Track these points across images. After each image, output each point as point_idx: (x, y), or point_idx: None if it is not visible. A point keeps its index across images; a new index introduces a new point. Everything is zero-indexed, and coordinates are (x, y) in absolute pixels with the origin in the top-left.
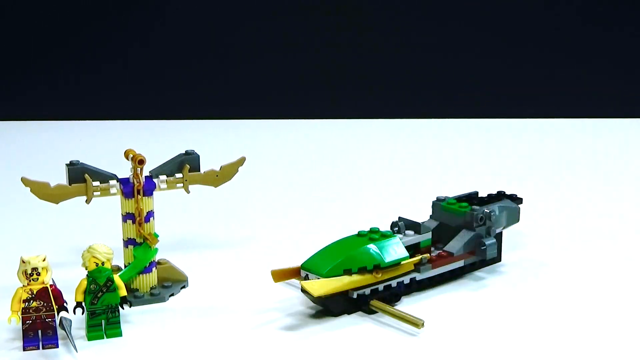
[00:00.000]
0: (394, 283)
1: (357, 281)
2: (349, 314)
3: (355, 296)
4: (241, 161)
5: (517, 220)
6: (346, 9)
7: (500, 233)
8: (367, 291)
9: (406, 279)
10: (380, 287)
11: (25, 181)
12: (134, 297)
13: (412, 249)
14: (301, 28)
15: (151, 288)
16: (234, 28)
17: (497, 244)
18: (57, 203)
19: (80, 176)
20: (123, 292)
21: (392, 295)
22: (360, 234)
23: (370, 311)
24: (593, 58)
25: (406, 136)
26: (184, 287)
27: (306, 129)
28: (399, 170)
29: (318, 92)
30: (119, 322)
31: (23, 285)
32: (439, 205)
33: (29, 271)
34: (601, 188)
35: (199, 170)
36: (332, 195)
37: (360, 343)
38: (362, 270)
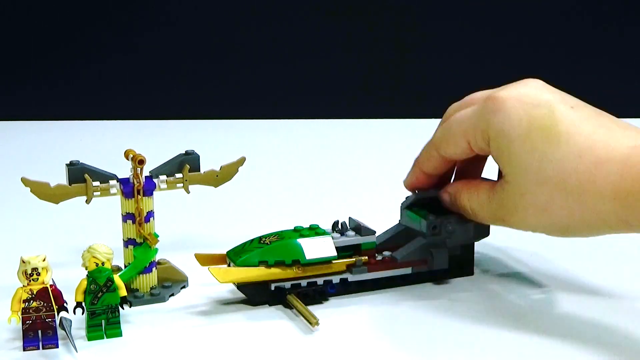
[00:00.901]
0: (320, 281)
1: (273, 274)
2: (270, 305)
3: (273, 288)
4: (241, 161)
5: (486, 234)
6: (346, 9)
7: (472, 245)
8: (287, 285)
9: (335, 279)
10: (303, 282)
11: (25, 181)
12: (134, 297)
13: (352, 250)
14: (301, 28)
15: (151, 288)
16: (234, 28)
17: (464, 256)
18: (57, 203)
19: (80, 176)
20: (123, 292)
21: (315, 293)
22: (295, 229)
23: (288, 305)
24: (591, 57)
25: (407, 137)
26: (184, 287)
27: (306, 129)
28: (399, 170)
29: (318, 92)
30: (119, 322)
31: (23, 285)
32: (404, 209)
33: (29, 271)
34: None
35: (199, 170)
36: (332, 195)
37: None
38: (280, 264)
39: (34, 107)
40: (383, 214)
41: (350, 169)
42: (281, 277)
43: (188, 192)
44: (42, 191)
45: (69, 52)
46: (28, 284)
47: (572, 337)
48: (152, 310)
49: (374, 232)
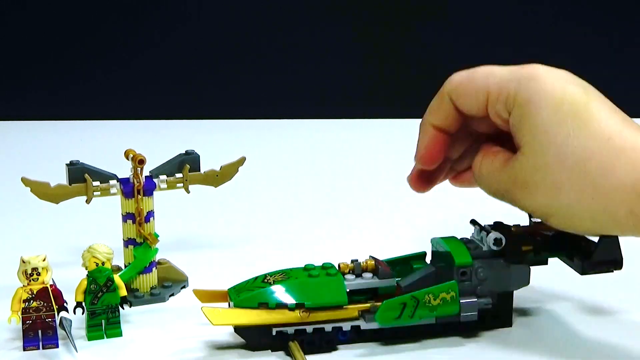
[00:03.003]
0: (328, 327)
1: (274, 318)
2: (272, 351)
3: (274, 333)
4: (241, 161)
5: (526, 282)
6: (346, 10)
7: (511, 293)
8: (290, 330)
9: (346, 326)
10: (309, 329)
11: (25, 181)
12: (134, 297)
13: (369, 295)
14: (301, 28)
15: (151, 288)
16: (234, 29)
17: (501, 305)
18: (57, 203)
19: (80, 176)
20: (123, 292)
21: (322, 340)
22: (305, 268)
23: (289, 353)
24: (587, 58)
25: (407, 137)
26: (184, 287)
27: (306, 129)
28: (400, 170)
29: (318, 92)
30: (119, 322)
31: (23, 285)
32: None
33: (29, 271)
34: None
35: (199, 170)
36: (332, 195)
37: None
38: (282, 307)
39: (34, 107)
40: (384, 214)
41: (350, 169)
42: (282, 322)
43: (188, 192)
44: (42, 191)
45: (69, 52)
46: (28, 284)
47: None
48: (152, 310)
49: (391, 276)
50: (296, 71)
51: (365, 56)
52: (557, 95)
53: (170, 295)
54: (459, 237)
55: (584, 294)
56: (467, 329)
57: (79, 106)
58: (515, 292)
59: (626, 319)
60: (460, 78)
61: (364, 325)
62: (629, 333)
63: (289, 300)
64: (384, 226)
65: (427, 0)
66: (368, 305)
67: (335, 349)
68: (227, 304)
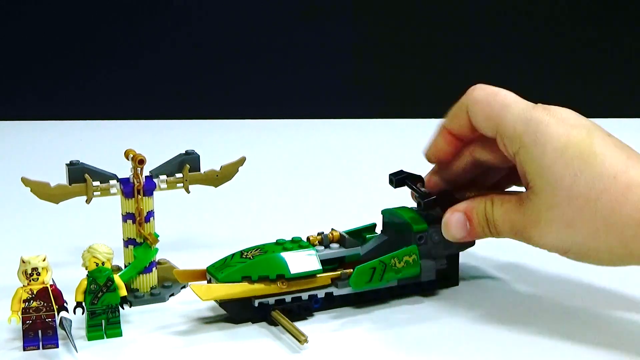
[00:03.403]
0: (304, 296)
1: (257, 289)
2: (253, 322)
3: (256, 304)
4: (241, 161)
5: (472, 243)
6: (346, 10)
7: (457, 254)
8: (271, 301)
9: (320, 293)
10: (288, 298)
11: (25, 181)
12: (134, 297)
13: (337, 263)
14: (301, 28)
15: (151, 288)
16: (234, 29)
17: (449, 266)
18: (57, 203)
19: (81, 176)
20: (123, 292)
21: (300, 308)
22: (277, 242)
23: (272, 322)
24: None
25: (408, 136)
26: (184, 287)
27: (306, 129)
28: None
29: (318, 92)
30: (119, 322)
31: (23, 285)
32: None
33: (29, 271)
34: None
35: (199, 170)
36: (332, 194)
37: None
38: (264, 279)
39: (34, 107)
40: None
41: (350, 169)
42: (266, 293)
43: (188, 192)
44: (42, 191)
45: (69, 52)
46: (28, 284)
47: (560, 341)
48: (152, 310)
49: (358, 244)
50: (296, 71)
51: (365, 56)
52: (561, 139)
53: (170, 295)
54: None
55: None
56: (422, 289)
57: (79, 106)
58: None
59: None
60: (479, 97)
61: (336, 291)
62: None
63: (271, 272)
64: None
65: (426, 1)
66: (338, 273)
67: (311, 315)
68: (205, 281)
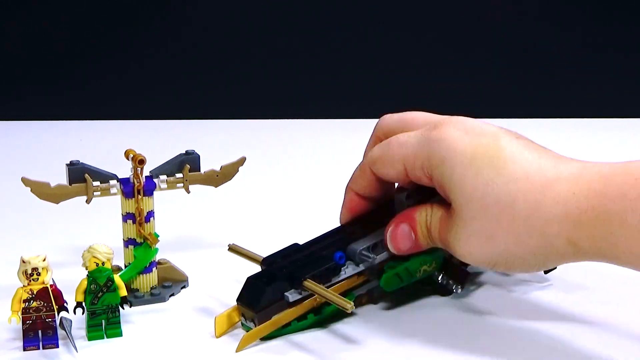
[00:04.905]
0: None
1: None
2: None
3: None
4: (241, 161)
5: None
6: (345, 9)
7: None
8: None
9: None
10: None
11: (25, 181)
12: (134, 297)
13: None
14: (301, 28)
15: (151, 288)
16: (234, 29)
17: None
18: (57, 203)
19: (81, 176)
20: (123, 292)
21: (329, 271)
22: None
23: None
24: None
25: None
26: (184, 287)
27: (306, 129)
28: None
29: (318, 92)
30: (119, 322)
31: (23, 285)
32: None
33: (29, 271)
34: None
35: (199, 170)
36: (332, 194)
37: None
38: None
39: (34, 107)
40: None
41: (350, 169)
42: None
43: (188, 192)
44: (42, 191)
45: (69, 52)
46: (28, 284)
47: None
48: (152, 310)
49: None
50: (296, 71)
51: (366, 56)
52: (467, 151)
53: (170, 295)
54: None
55: None
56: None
57: (79, 106)
58: None
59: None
60: (378, 152)
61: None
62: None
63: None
64: None
65: (427, 1)
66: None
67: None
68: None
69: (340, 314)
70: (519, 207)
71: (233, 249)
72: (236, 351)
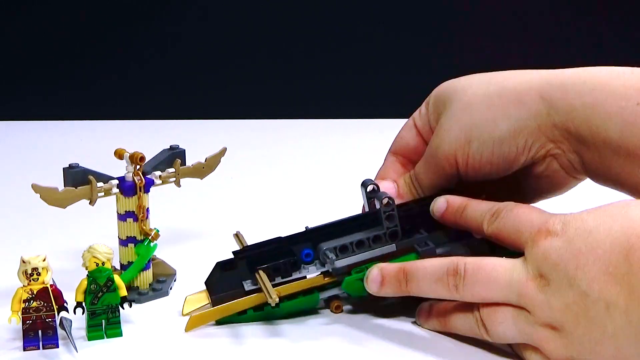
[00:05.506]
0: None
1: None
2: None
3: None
4: (222, 152)
5: None
6: (345, 9)
7: None
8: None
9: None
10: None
11: (35, 187)
12: (138, 294)
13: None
14: (301, 28)
15: (150, 284)
16: (233, 29)
17: None
18: (64, 207)
19: (82, 179)
20: (123, 292)
21: (288, 265)
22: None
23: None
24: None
25: None
26: (175, 280)
27: (306, 129)
28: None
29: (318, 92)
30: (119, 322)
31: (23, 285)
32: None
33: (29, 271)
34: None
35: (185, 164)
36: (329, 194)
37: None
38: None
39: (34, 107)
40: None
41: (351, 169)
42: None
43: (179, 185)
44: (52, 196)
45: (69, 52)
46: (28, 284)
47: None
48: (153, 309)
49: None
50: (296, 71)
51: (366, 56)
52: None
53: (169, 289)
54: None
55: None
56: None
57: (79, 106)
58: None
59: None
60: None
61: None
62: None
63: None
64: None
65: (427, 1)
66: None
67: (300, 270)
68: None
69: (302, 311)
70: (494, 80)
71: (237, 236)
72: (185, 331)
